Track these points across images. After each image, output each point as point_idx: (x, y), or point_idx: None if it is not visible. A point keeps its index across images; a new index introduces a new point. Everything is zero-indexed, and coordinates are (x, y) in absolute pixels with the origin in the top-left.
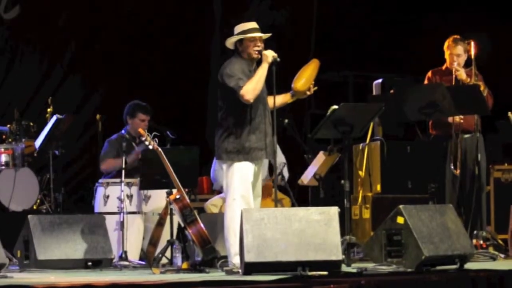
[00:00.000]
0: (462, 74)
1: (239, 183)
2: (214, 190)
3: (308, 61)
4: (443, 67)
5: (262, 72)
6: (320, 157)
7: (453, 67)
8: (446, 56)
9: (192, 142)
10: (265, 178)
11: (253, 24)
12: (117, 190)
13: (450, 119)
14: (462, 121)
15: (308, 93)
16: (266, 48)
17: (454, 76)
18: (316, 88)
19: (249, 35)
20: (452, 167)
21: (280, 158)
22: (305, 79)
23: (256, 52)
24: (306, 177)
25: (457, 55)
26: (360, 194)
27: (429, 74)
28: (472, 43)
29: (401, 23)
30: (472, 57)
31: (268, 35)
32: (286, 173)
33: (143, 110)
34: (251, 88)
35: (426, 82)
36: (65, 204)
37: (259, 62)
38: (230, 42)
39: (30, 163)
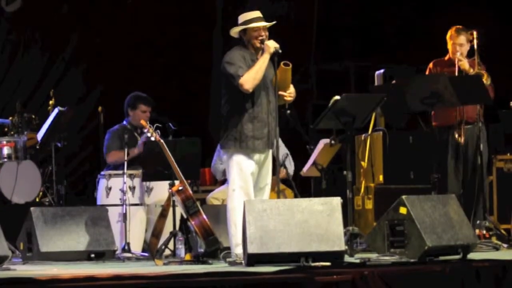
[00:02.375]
0: (465, 64)
1: (237, 174)
2: (216, 181)
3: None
4: (446, 58)
5: (262, 62)
6: (321, 145)
7: (455, 57)
8: (449, 46)
9: (195, 134)
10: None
11: (257, 13)
12: (119, 182)
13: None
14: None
15: (287, 99)
16: (269, 38)
17: (456, 66)
18: (290, 93)
19: (252, 25)
20: (457, 135)
21: (282, 149)
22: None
23: (259, 41)
24: (308, 168)
25: (460, 45)
26: (363, 184)
27: (430, 65)
28: (475, 33)
29: (403, 12)
30: (475, 47)
31: (273, 23)
32: (289, 165)
33: (144, 101)
34: (251, 77)
35: (427, 73)
36: (67, 196)
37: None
38: (234, 32)
39: (33, 155)
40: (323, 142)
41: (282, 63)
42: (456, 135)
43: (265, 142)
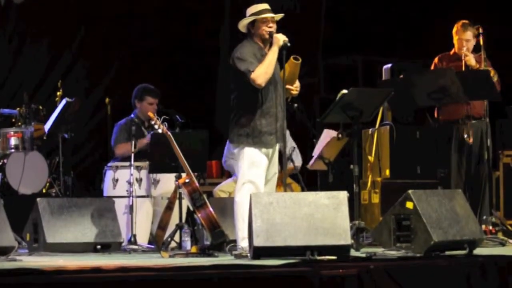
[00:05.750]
0: (471, 59)
1: (249, 168)
2: (223, 174)
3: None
4: (451, 52)
5: (272, 55)
6: (326, 136)
7: (462, 52)
8: (455, 41)
9: (202, 126)
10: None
11: (265, 5)
12: (126, 173)
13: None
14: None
15: (293, 93)
16: (277, 32)
17: (463, 61)
18: (297, 87)
19: (261, 16)
20: (466, 135)
21: (290, 142)
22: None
23: (268, 33)
24: (314, 161)
25: (466, 40)
26: (369, 179)
27: (436, 60)
28: (481, 28)
29: (411, 7)
30: (481, 42)
31: (281, 15)
32: (296, 159)
33: (151, 93)
34: (262, 72)
35: (432, 68)
36: (74, 187)
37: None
38: (242, 25)
39: (40, 146)
40: (327, 132)
41: (292, 57)
42: (465, 135)
43: (276, 136)
